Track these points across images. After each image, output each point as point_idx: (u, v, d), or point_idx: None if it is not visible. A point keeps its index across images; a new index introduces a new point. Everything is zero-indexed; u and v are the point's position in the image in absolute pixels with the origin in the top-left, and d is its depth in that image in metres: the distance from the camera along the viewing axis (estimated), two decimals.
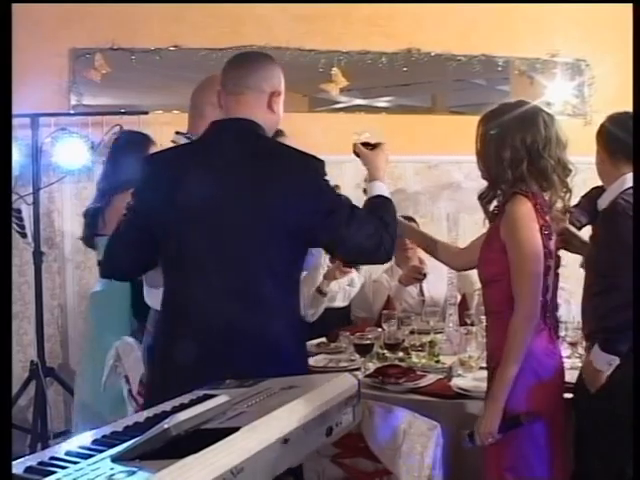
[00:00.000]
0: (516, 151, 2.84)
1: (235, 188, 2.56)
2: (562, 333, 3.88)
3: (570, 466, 3.06)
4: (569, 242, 3.35)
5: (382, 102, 6.37)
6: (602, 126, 3.23)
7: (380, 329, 3.96)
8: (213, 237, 2.55)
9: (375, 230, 2.62)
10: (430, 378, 3.44)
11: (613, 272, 3.01)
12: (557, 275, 3.00)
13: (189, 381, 2.19)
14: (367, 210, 2.74)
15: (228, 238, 2.55)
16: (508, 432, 2.76)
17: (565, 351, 3.75)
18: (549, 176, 2.86)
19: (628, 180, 3.10)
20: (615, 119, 3.20)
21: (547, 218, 2.85)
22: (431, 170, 4.79)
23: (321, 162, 2.62)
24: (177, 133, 3.23)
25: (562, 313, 4.41)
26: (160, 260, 2.73)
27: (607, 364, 2.97)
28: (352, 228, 2.57)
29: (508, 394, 2.77)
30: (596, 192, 3.99)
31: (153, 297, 3.15)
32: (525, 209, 2.80)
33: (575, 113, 6.22)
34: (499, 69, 6.14)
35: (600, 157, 3.22)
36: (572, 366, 3.52)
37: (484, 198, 3.04)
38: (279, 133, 3.77)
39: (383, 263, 2.97)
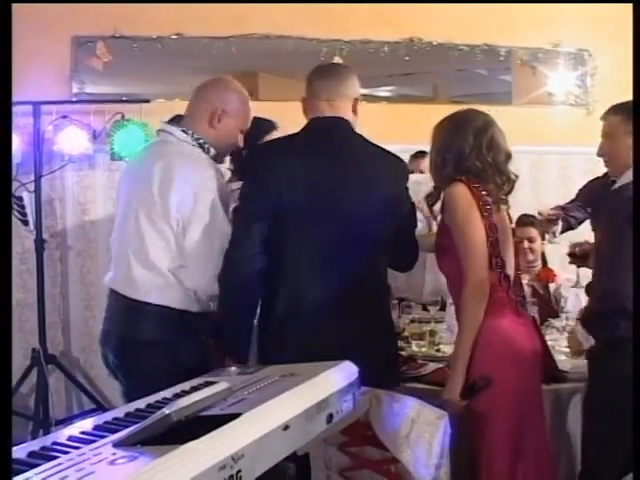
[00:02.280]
0: (445, 154, 3.07)
1: (346, 175, 2.92)
2: (563, 322, 3.91)
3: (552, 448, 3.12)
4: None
5: (383, 92, 6.37)
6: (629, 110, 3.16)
7: None
8: (333, 222, 2.89)
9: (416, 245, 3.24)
10: (431, 367, 3.46)
11: (609, 253, 3.03)
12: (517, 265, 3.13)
13: None
14: None
15: (345, 224, 2.90)
16: (470, 398, 2.86)
17: (564, 340, 3.78)
18: (479, 174, 3.00)
19: None
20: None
21: (484, 197, 2.97)
22: None
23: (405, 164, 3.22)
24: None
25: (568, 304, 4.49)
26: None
27: (586, 340, 3.01)
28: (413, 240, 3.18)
29: (471, 364, 2.90)
30: (593, 185, 4.01)
31: None
32: (459, 190, 2.97)
33: (577, 103, 6.20)
34: (501, 59, 6.11)
35: (629, 142, 3.12)
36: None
37: (429, 198, 3.31)
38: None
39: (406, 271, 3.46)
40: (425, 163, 4.84)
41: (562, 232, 4.41)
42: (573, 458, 3.38)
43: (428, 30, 5.89)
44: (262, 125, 3.98)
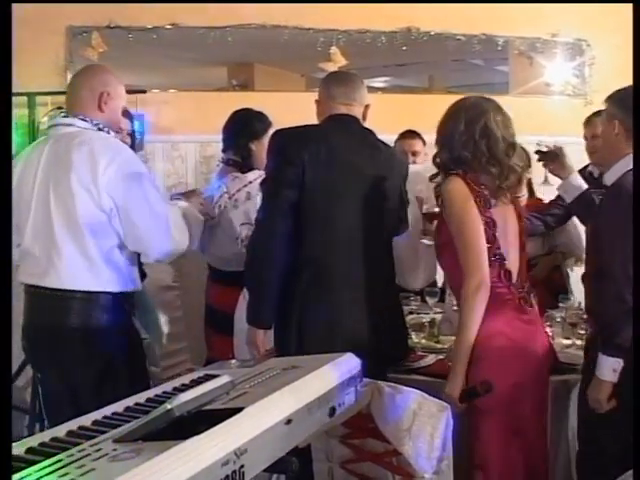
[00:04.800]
0: (444, 141, 3.06)
1: (364, 160, 3.24)
2: (562, 314, 3.90)
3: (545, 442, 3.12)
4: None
5: (379, 82, 6.35)
6: (623, 99, 3.11)
7: None
8: (354, 199, 3.20)
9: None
10: (430, 358, 3.44)
11: (604, 252, 3.01)
12: (522, 252, 3.07)
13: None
14: None
15: (364, 197, 3.21)
16: (469, 401, 2.84)
17: (565, 332, 3.78)
18: (471, 164, 2.96)
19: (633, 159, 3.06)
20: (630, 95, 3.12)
21: (482, 191, 2.93)
22: (430, 149, 4.77)
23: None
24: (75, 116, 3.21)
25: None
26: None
27: (612, 371, 2.94)
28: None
29: (471, 364, 2.89)
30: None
31: None
32: (454, 184, 2.94)
33: (575, 93, 6.19)
34: (499, 49, 6.09)
35: (611, 129, 3.10)
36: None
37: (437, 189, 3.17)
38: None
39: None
40: (417, 144, 4.83)
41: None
42: (572, 448, 3.38)
43: (425, 20, 5.87)
44: (265, 120, 4.09)
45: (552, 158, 3.55)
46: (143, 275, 3.59)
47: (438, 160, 3.09)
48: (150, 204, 3.10)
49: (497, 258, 2.93)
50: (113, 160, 3.02)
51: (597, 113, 4.40)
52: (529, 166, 3.43)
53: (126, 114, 4.07)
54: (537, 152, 3.66)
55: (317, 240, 3.16)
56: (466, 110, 3.01)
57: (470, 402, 2.84)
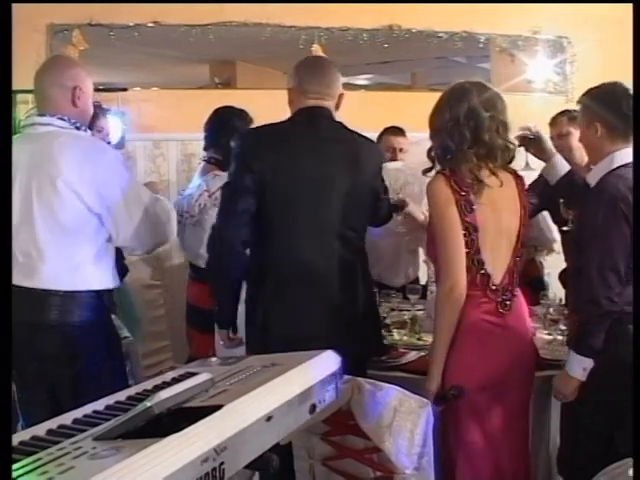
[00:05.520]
0: (433, 134, 3.05)
1: (329, 160, 3.16)
2: (544, 310, 3.93)
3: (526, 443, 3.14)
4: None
5: (362, 80, 6.36)
6: (601, 98, 3.14)
7: None
8: (316, 198, 3.14)
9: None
10: (412, 355, 3.46)
11: (584, 253, 3.02)
12: (516, 253, 3.03)
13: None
14: None
15: (327, 199, 3.14)
16: (443, 405, 2.87)
17: (548, 328, 3.80)
18: (455, 154, 2.93)
19: (617, 158, 3.07)
20: (618, 90, 3.12)
21: (466, 193, 2.88)
22: (412, 147, 4.78)
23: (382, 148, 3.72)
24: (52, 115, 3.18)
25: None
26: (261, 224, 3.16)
27: (582, 369, 2.98)
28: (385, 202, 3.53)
29: (449, 366, 2.94)
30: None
31: None
32: (437, 184, 2.92)
33: (557, 90, 6.22)
34: (480, 46, 6.11)
35: (593, 132, 3.13)
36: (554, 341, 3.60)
37: None
38: (251, 118, 3.96)
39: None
40: (401, 140, 4.84)
41: None
42: (553, 443, 3.40)
43: (407, 17, 5.88)
44: (246, 117, 4.10)
45: (533, 142, 3.56)
46: (125, 270, 3.59)
47: (432, 154, 3.07)
48: (141, 200, 3.13)
49: (474, 263, 2.91)
50: (100, 161, 3.03)
51: (563, 113, 4.45)
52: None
53: (103, 112, 4.09)
54: (517, 137, 3.67)
55: (278, 247, 3.16)
56: (449, 96, 2.98)
57: (443, 405, 2.88)
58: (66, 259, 3.01)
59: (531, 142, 3.44)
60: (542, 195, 3.49)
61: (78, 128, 3.15)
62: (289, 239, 3.14)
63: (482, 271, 2.92)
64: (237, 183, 3.16)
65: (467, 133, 2.89)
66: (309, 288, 3.12)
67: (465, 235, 2.88)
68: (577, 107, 3.25)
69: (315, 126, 3.21)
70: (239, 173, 3.16)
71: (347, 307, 3.18)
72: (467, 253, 2.89)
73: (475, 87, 2.95)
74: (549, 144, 3.48)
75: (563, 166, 3.39)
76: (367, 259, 3.34)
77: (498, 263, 2.97)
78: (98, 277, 3.10)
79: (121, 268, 4.02)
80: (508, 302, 2.98)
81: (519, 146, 3.54)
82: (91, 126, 3.95)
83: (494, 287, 2.95)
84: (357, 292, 3.23)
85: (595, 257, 2.95)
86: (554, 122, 4.50)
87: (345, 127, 3.28)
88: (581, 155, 4.02)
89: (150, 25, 5.59)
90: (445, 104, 2.96)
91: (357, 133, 3.31)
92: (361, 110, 5.59)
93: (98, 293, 3.10)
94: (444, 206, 2.89)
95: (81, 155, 3.01)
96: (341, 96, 3.31)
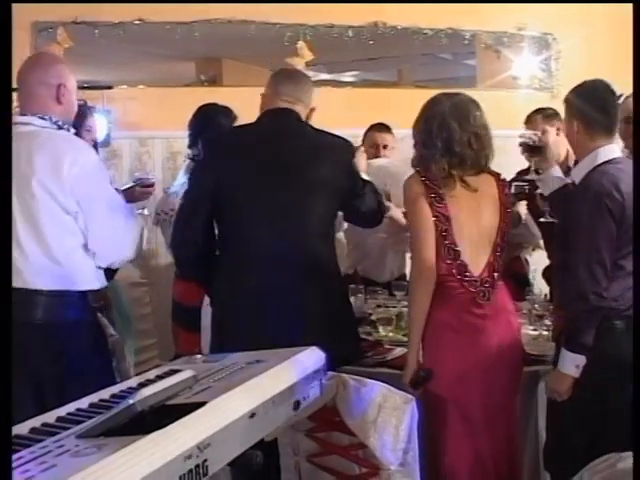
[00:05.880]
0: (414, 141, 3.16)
1: (290, 163, 3.14)
2: (529, 306, 3.94)
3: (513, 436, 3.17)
4: None
5: (348, 77, 6.36)
6: (579, 95, 3.16)
7: None
8: (274, 198, 3.12)
9: (377, 202, 3.42)
10: (397, 351, 3.45)
11: (570, 249, 3.04)
12: (496, 248, 3.10)
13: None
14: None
15: (287, 199, 3.12)
16: (417, 388, 2.95)
17: (533, 324, 3.81)
18: (427, 161, 3.06)
19: (601, 155, 3.09)
20: (598, 87, 3.14)
21: (436, 187, 3.01)
22: (397, 143, 4.78)
23: (351, 143, 3.35)
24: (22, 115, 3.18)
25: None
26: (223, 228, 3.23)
27: (574, 366, 3.00)
28: (366, 199, 3.36)
29: (427, 356, 3.05)
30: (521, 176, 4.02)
31: None
32: (410, 181, 3.08)
33: (542, 87, 6.24)
34: (465, 42, 6.12)
35: (571, 130, 3.15)
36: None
37: None
38: (235, 116, 4.00)
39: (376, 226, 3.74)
40: (387, 137, 4.84)
41: None
42: (540, 438, 3.41)
43: (392, 14, 5.88)
44: (230, 114, 4.09)
45: (538, 151, 3.58)
46: (114, 271, 3.58)
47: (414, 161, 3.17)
48: (114, 206, 3.12)
49: (449, 252, 3.00)
50: (76, 161, 2.99)
51: (537, 111, 4.46)
52: None
53: (91, 111, 4.07)
54: (522, 144, 3.68)
55: (236, 253, 3.19)
56: (426, 108, 3.12)
57: (418, 388, 2.96)
58: (48, 259, 3.00)
59: (535, 150, 3.48)
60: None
61: (60, 127, 3.12)
62: (246, 246, 3.16)
63: (458, 261, 3.01)
64: (197, 183, 3.30)
65: (439, 144, 3.01)
66: (264, 285, 3.11)
67: (437, 224, 2.99)
68: (563, 104, 3.26)
69: (279, 127, 3.24)
70: (199, 175, 3.33)
71: (310, 306, 3.12)
72: (441, 242, 2.99)
73: (450, 100, 3.08)
74: (552, 154, 3.50)
75: (561, 177, 3.41)
76: (333, 257, 3.31)
77: (477, 257, 3.05)
78: (82, 277, 3.09)
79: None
80: (487, 293, 3.05)
81: (523, 152, 3.59)
82: (79, 125, 3.96)
83: (472, 279, 3.02)
84: (329, 293, 3.20)
85: (582, 253, 2.96)
86: (529, 120, 4.51)
87: (313, 128, 3.30)
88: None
89: (135, 23, 5.57)
90: (421, 116, 3.11)
91: (326, 132, 3.31)
92: (347, 107, 5.61)
93: (83, 293, 3.09)
94: (415, 200, 3.03)
95: (57, 155, 2.98)
96: (312, 110, 3.33)
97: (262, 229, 3.14)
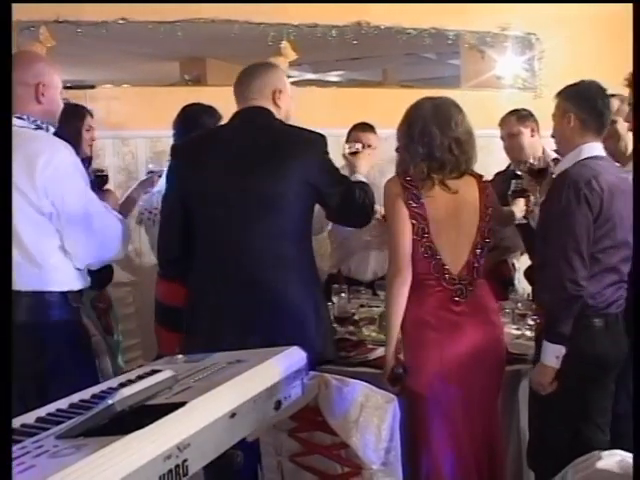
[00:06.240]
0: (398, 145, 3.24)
1: (258, 152, 3.14)
2: (512, 305, 3.95)
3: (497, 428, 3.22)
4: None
5: (333, 76, 6.35)
6: (576, 94, 3.21)
7: (330, 303, 3.95)
8: (239, 197, 3.11)
9: (362, 200, 3.26)
10: (380, 351, 3.45)
11: (548, 239, 3.08)
12: (476, 246, 3.13)
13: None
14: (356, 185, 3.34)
15: (255, 200, 3.11)
16: (397, 384, 3.05)
17: (516, 323, 3.83)
18: (407, 165, 3.14)
19: (585, 151, 3.13)
20: (593, 88, 3.21)
21: (414, 188, 3.07)
22: (380, 143, 4.78)
23: (324, 138, 3.21)
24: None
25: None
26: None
27: (555, 357, 3.02)
28: (347, 196, 3.23)
29: (407, 354, 3.12)
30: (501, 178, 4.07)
31: None
32: (389, 183, 3.17)
33: (525, 87, 6.26)
34: (449, 42, 6.12)
35: (566, 122, 3.20)
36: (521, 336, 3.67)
37: None
38: (220, 115, 4.11)
39: (363, 226, 3.63)
40: (370, 137, 4.83)
41: None
42: (522, 437, 3.43)
43: (376, 14, 5.87)
44: (215, 114, 4.09)
45: (544, 173, 3.69)
46: (111, 272, 3.58)
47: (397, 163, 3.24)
48: (88, 208, 3.10)
49: (426, 251, 3.06)
50: (50, 162, 2.98)
51: (512, 112, 4.50)
52: None
53: (89, 111, 4.11)
54: (528, 170, 3.77)
55: (209, 254, 3.24)
56: (409, 113, 3.17)
57: (396, 385, 3.04)
58: (25, 260, 2.99)
59: (540, 173, 3.57)
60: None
61: (39, 127, 3.10)
62: (213, 242, 3.21)
63: (436, 260, 3.06)
64: (170, 188, 3.38)
65: (420, 149, 3.07)
66: (231, 287, 3.15)
67: (414, 225, 3.04)
68: (554, 102, 3.28)
69: (245, 126, 3.24)
70: (171, 181, 3.38)
71: (278, 308, 3.11)
72: (418, 240, 3.04)
73: (432, 104, 3.13)
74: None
75: None
76: (305, 257, 3.25)
77: (456, 255, 3.10)
78: (62, 278, 3.09)
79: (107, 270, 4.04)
80: (464, 291, 3.09)
81: (529, 181, 3.69)
82: (79, 125, 4.09)
83: (450, 277, 3.08)
84: (286, 293, 3.13)
85: (559, 241, 3.01)
86: (503, 122, 4.55)
87: (282, 123, 3.27)
88: (533, 153, 4.07)
89: (118, 22, 5.54)
90: (404, 120, 3.16)
91: (295, 128, 3.28)
92: (332, 107, 5.61)
93: (63, 293, 3.08)
94: (392, 202, 3.09)
95: (31, 156, 2.96)
96: (275, 92, 3.28)
97: (232, 230, 3.15)
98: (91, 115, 4.33)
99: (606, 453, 2.51)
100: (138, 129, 5.65)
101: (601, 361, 3.08)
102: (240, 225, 3.12)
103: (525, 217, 3.80)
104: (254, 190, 3.10)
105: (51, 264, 3.04)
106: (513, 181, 3.83)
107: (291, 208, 3.15)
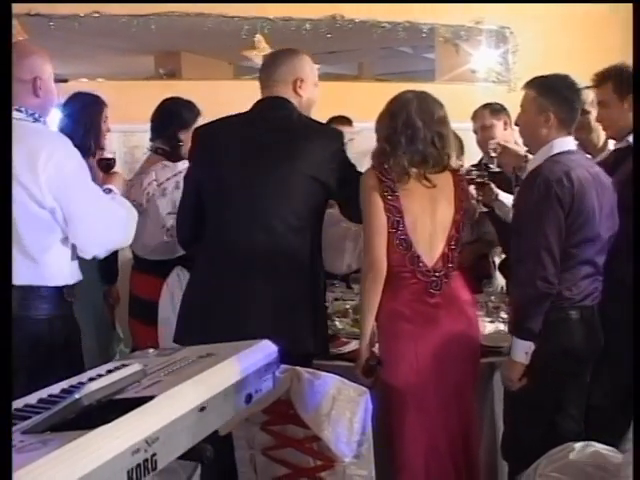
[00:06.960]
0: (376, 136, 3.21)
1: (270, 145, 3.16)
2: (486, 298, 3.97)
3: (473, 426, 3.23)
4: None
5: None
6: (553, 89, 3.19)
7: None
8: (250, 187, 3.14)
9: None
10: (353, 344, 3.45)
11: (520, 236, 3.10)
12: (451, 239, 3.13)
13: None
14: None
15: (261, 188, 3.13)
16: (369, 376, 3.06)
17: (490, 315, 3.84)
18: (388, 155, 3.10)
19: (556, 146, 3.14)
20: (569, 84, 3.19)
21: (389, 181, 3.06)
22: (354, 136, 4.78)
23: (341, 133, 3.31)
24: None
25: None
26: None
27: (524, 353, 3.04)
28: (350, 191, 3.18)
29: (381, 346, 3.14)
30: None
31: None
32: (365, 176, 3.14)
33: (499, 80, 6.28)
34: (424, 36, 6.12)
35: (543, 120, 3.17)
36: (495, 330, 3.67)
37: None
38: (199, 111, 4.12)
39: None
40: (350, 130, 4.83)
41: None
42: (497, 429, 3.44)
43: (350, 7, 5.87)
44: (194, 109, 4.08)
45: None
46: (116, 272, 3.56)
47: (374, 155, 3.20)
48: (92, 199, 3.08)
49: (401, 243, 3.05)
50: (52, 156, 2.93)
51: (485, 106, 4.52)
52: (462, 153, 3.78)
53: (105, 104, 4.17)
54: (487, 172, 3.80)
55: (210, 236, 3.24)
56: (392, 104, 3.15)
57: (370, 376, 3.06)
58: (22, 255, 2.96)
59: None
60: None
61: (37, 119, 3.06)
62: (220, 228, 3.20)
63: (411, 252, 3.06)
64: (188, 176, 3.43)
65: (403, 140, 3.05)
66: (234, 277, 3.14)
67: (389, 217, 3.04)
68: (523, 93, 3.27)
69: (263, 116, 3.24)
70: (190, 168, 3.45)
71: (279, 299, 3.12)
72: (393, 233, 3.04)
73: (417, 98, 3.11)
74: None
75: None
76: (309, 250, 3.22)
77: (431, 248, 3.10)
78: (57, 273, 3.06)
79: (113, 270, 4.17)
80: (439, 283, 3.10)
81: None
82: (99, 117, 4.20)
83: (425, 269, 3.08)
84: (289, 284, 3.15)
85: (529, 240, 3.02)
86: (476, 115, 4.57)
87: (300, 116, 3.26)
88: (494, 148, 4.08)
89: (92, 15, 5.51)
90: (387, 112, 3.13)
91: (312, 122, 3.32)
92: None
93: (58, 288, 3.06)
94: (368, 194, 3.07)
95: (33, 149, 2.91)
96: (296, 81, 3.27)
97: (240, 219, 3.16)
98: (106, 105, 4.34)
99: (579, 445, 2.53)
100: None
101: (577, 352, 3.10)
102: (246, 213, 3.15)
103: (487, 205, 3.83)
104: (264, 182, 3.13)
105: (47, 259, 3.01)
106: (474, 172, 3.84)
107: (300, 204, 3.16)
